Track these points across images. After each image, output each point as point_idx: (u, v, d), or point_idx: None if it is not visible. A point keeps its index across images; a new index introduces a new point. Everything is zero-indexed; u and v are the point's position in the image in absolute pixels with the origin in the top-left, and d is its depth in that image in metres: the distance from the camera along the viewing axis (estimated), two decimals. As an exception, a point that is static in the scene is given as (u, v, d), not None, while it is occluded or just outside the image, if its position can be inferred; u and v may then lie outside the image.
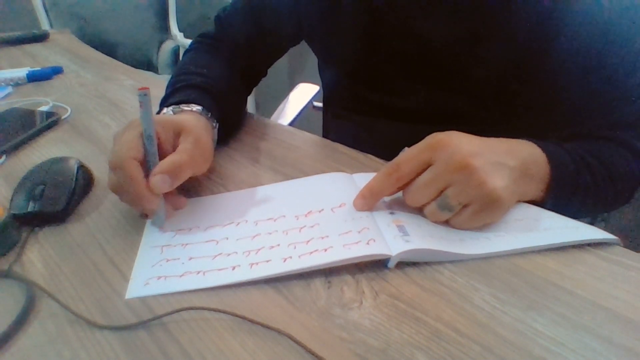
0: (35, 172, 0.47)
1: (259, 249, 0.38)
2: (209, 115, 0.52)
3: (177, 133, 0.44)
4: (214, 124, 0.53)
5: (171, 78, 0.61)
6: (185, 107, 0.51)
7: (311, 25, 0.65)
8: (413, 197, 0.40)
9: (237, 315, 0.32)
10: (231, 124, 0.60)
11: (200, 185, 0.49)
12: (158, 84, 0.82)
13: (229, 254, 0.38)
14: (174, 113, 0.50)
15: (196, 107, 0.51)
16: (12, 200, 0.43)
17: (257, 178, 0.50)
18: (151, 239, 0.41)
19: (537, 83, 0.53)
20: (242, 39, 0.67)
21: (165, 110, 0.51)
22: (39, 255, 0.39)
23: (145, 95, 0.38)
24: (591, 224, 0.42)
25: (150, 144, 0.40)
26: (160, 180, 0.39)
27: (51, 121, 0.64)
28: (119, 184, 0.40)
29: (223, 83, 0.59)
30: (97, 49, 1.07)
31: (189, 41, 1.89)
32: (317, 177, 0.48)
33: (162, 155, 0.41)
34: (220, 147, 0.58)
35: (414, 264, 0.37)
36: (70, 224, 0.43)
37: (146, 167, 0.41)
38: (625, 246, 0.39)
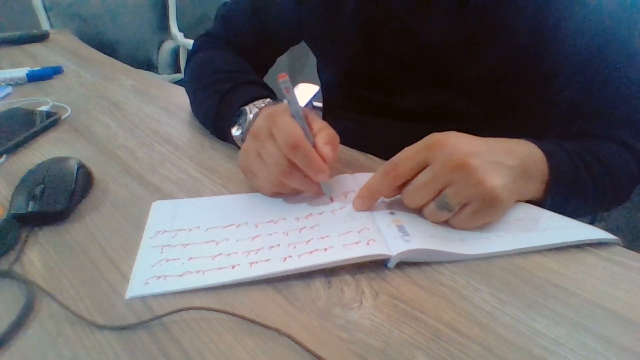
0: (35, 172, 0.47)
1: (259, 249, 0.38)
2: None
3: (305, 115, 0.45)
4: None
5: (206, 77, 0.61)
6: (261, 102, 0.52)
7: (311, 26, 0.65)
8: (411, 198, 0.40)
9: (237, 315, 0.32)
10: None
11: (201, 185, 0.49)
12: (158, 84, 0.82)
13: (229, 254, 0.38)
14: (259, 108, 0.50)
15: (271, 101, 0.52)
16: (12, 200, 0.43)
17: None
18: (151, 239, 0.41)
19: (535, 83, 0.53)
20: (247, 36, 0.68)
21: (247, 109, 0.51)
22: (39, 255, 0.39)
23: (287, 81, 0.40)
24: (591, 223, 0.42)
25: (304, 123, 0.42)
26: (329, 150, 0.42)
27: (51, 121, 0.64)
28: (290, 169, 0.41)
29: (260, 78, 0.61)
30: (97, 49, 1.07)
31: (189, 41, 1.90)
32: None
33: None
34: (221, 146, 0.58)
35: (414, 264, 0.37)
36: (70, 224, 0.43)
37: None
38: (625, 246, 0.40)
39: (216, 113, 0.57)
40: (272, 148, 0.41)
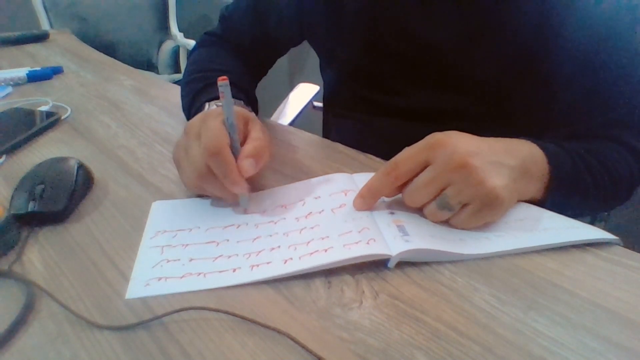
0: (35, 172, 0.47)
1: (260, 251, 0.38)
2: (250, 109, 0.53)
3: (246, 122, 0.45)
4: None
5: (190, 75, 0.62)
6: None
7: (313, 26, 0.65)
8: (412, 197, 0.40)
9: (237, 315, 0.32)
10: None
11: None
12: (158, 84, 0.83)
13: (229, 256, 0.38)
14: (218, 106, 0.51)
15: (238, 101, 0.53)
16: (12, 200, 0.43)
17: (257, 178, 0.50)
18: (151, 239, 0.41)
19: (536, 82, 0.53)
20: (247, 38, 0.68)
21: (207, 105, 0.52)
22: (39, 255, 0.39)
23: (226, 85, 0.39)
24: (591, 223, 0.42)
25: (233, 131, 0.41)
26: (250, 164, 0.41)
27: (51, 121, 0.64)
28: (208, 172, 0.41)
29: (246, 80, 0.62)
30: (97, 49, 1.07)
31: (189, 41, 1.90)
32: (317, 179, 0.48)
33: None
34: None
35: (414, 264, 0.37)
36: (70, 224, 0.43)
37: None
38: (625, 246, 0.39)
39: (189, 110, 0.58)
40: (195, 149, 0.41)
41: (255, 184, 0.48)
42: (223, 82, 0.39)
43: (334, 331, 0.31)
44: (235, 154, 0.41)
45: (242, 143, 0.43)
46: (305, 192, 0.46)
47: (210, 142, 0.39)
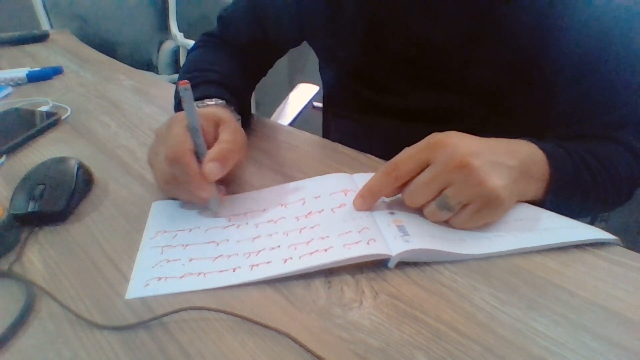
0: (35, 172, 0.47)
1: (260, 251, 0.38)
2: (232, 109, 0.53)
3: (217, 125, 0.45)
4: (237, 117, 0.54)
5: (184, 75, 0.62)
6: (209, 101, 0.52)
7: (313, 27, 0.65)
8: (412, 197, 0.40)
9: (237, 315, 0.32)
10: (246, 118, 0.62)
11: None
12: (158, 84, 0.83)
13: (229, 256, 0.38)
14: (199, 108, 0.50)
15: (220, 102, 0.52)
16: (12, 200, 0.43)
17: (257, 178, 0.50)
18: (151, 239, 0.41)
19: (535, 83, 0.53)
20: (245, 40, 0.68)
21: None
22: (39, 255, 0.39)
23: (186, 90, 0.39)
24: (591, 224, 0.42)
25: (197, 135, 0.41)
26: (214, 168, 0.40)
27: (51, 121, 0.64)
28: (173, 178, 0.41)
29: (237, 80, 0.61)
30: (97, 49, 1.07)
31: (189, 41, 1.90)
32: (317, 179, 0.48)
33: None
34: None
35: (414, 264, 0.37)
36: (70, 224, 0.43)
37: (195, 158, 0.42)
38: (625, 246, 0.39)
39: (176, 110, 0.58)
40: (161, 155, 0.41)
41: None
42: (183, 87, 0.39)
43: (334, 331, 0.31)
44: (200, 158, 0.41)
45: (212, 146, 0.42)
46: (305, 192, 0.46)
47: (170, 149, 0.40)
